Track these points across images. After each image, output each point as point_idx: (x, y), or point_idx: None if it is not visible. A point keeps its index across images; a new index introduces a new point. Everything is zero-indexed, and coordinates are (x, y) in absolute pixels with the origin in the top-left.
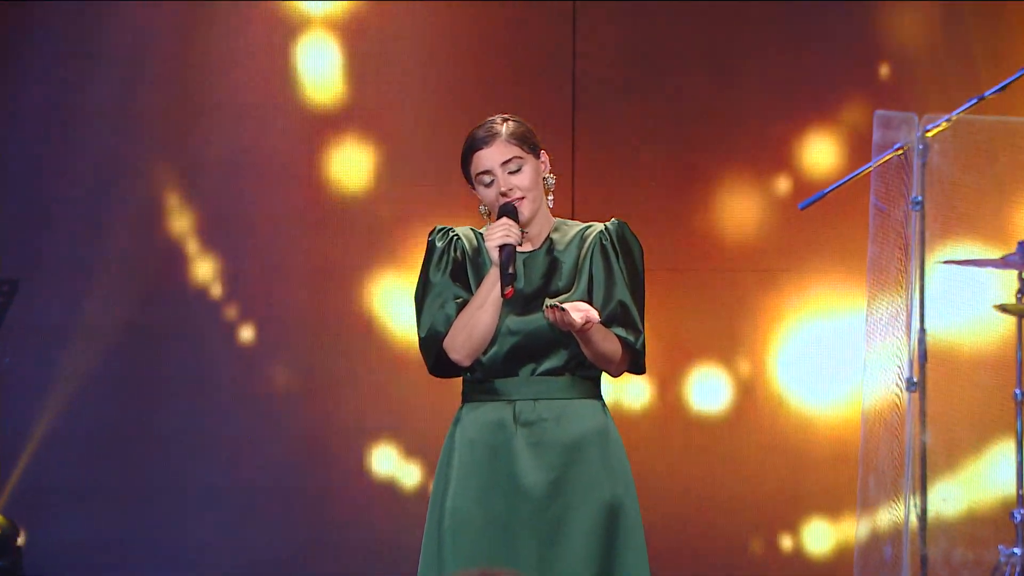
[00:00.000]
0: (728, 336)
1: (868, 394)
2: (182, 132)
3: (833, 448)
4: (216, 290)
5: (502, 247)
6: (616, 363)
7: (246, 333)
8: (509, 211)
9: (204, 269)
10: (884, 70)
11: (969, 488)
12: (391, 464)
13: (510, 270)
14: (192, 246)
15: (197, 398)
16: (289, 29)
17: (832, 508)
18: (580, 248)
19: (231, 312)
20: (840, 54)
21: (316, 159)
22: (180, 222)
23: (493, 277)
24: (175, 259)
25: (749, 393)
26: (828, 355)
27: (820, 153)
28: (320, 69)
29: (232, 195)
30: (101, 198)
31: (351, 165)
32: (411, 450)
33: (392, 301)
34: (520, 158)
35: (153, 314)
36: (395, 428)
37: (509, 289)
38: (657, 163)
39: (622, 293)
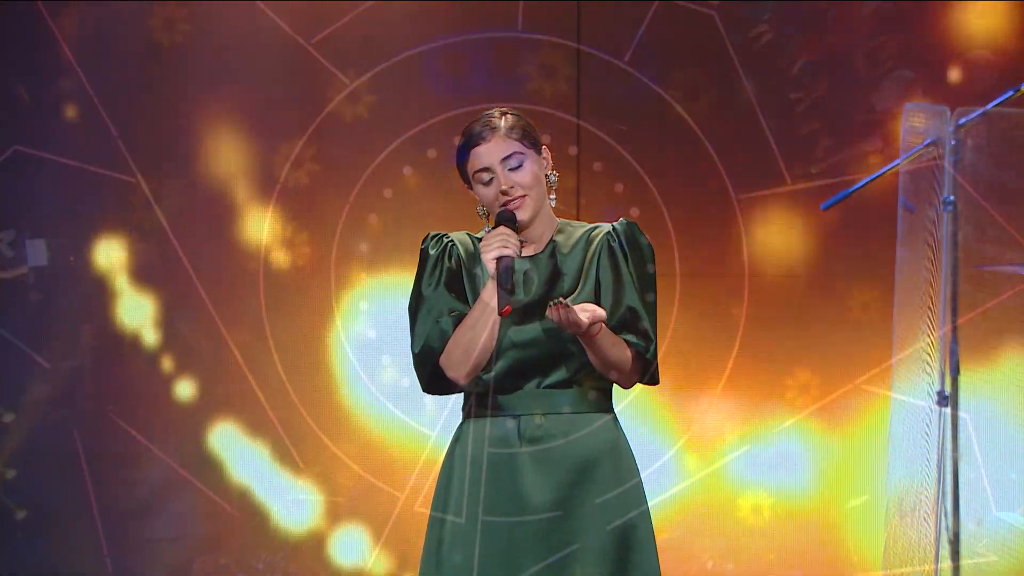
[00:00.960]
0: (742, 342)
1: (896, 408)
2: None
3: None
4: (151, 335)
5: (499, 259)
6: (626, 373)
7: (185, 388)
8: (507, 219)
9: (137, 308)
10: (918, 69)
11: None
12: (343, 511)
13: (508, 286)
14: (139, 277)
15: (156, 428)
16: (252, 31)
17: None
18: (586, 250)
19: (167, 364)
20: (865, 52)
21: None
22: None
23: (490, 291)
24: (107, 293)
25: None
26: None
27: (841, 153)
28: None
29: (191, 225)
30: (71, 208)
31: (322, 187)
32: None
33: (358, 348)
34: (521, 154)
35: (111, 337)
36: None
37: (507, 307)
38: (665, 161)
39: (631, 298)
